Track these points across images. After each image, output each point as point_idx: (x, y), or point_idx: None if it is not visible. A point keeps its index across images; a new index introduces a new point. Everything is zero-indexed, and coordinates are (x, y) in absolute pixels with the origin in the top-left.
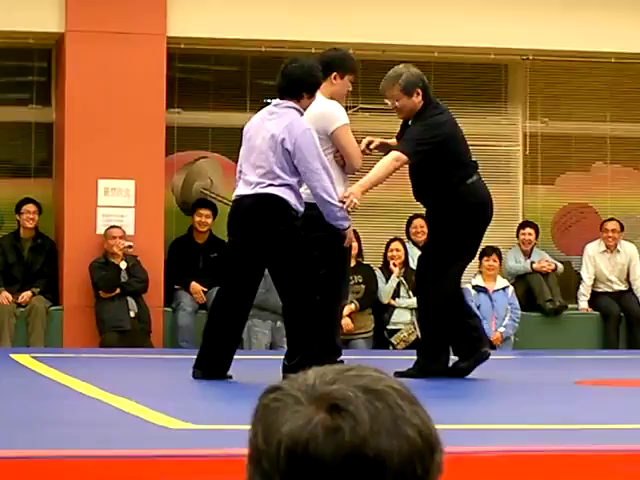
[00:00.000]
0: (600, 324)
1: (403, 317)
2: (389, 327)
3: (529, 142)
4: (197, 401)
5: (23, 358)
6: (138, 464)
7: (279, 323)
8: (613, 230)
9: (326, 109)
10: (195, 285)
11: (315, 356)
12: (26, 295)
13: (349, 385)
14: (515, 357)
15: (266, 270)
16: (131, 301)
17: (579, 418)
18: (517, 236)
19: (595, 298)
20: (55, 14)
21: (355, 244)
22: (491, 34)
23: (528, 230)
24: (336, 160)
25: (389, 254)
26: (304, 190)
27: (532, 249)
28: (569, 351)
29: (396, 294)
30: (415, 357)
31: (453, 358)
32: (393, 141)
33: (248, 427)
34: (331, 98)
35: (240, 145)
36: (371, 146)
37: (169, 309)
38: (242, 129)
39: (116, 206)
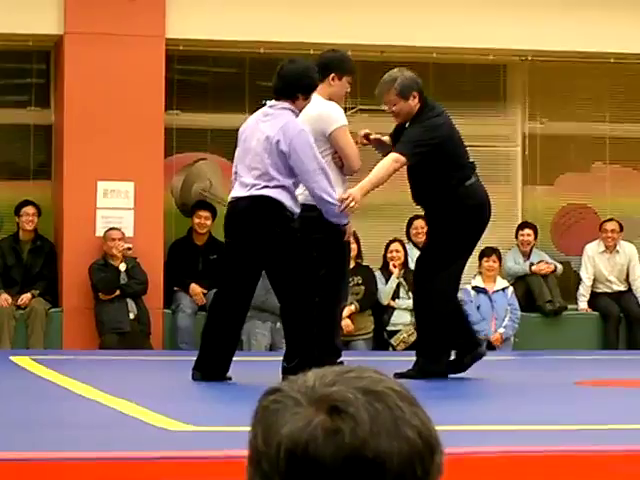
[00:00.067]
0: (600, 324)
1: (403, 318)
2: (389, 328)
3: (528, 143)
4: (197, 403)
5: (23, 360)
6: (138, 466)
7: (279, 324)
8: (612, 230)
9: (324, 110)
10: (194, 287)
11: (314, 357)
12: (25, 297)
13: (349, 387)
14: (515, 358)
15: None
16: (131, 303)
17: (579, 418)
18: (516, 237)
19: (594, 298)
20: (54, 16)
21: (354, 245)
22: (490, 35)
23: (527, 231)
24: (334, 161)
25: (389, 255)
26: (302, 192)
27: (531, 250)
28: (569, 352)
29: (396, 295)
30: (415, 358)
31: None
32: (387, 138)
33: (248, 429)
34: (329, 99)
35: (236, 146)
36: (370, 137)
37: (169, 311)
38: None
39: (115, 208)
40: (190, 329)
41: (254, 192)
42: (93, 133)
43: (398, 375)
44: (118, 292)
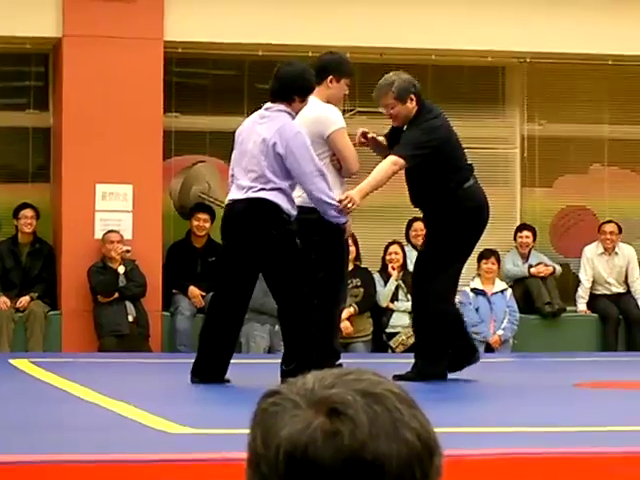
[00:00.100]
0: (598, 326)
1: (402, 320)
2: (388, 330)
3: (527, 144)
4: (196, 405)
5: (21, 363)
6: (137, 469)
7: (277, 327)
8: (611, 232)
9: (321, 113)
10: (193, 289)
11: (312, 359)
12: (24, 300)
13: (348, 389)
14: (514, 360)
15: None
16: (129, 305)
17: (578, 420)
18: (515, 239)
19: (593, 300)
20: (52, 19)
21: (352, 248)
22: (488, 37)
23: (526, 233)
24: (332, 164)
25: (387, 257)
26: (300, 194)
27: (530, 252)
28: (568, 353)
29: (395, 297)
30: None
31: None
32: (382, 139)
33: (247, 431)
34: (327, 102)
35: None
36: (368, 136)
37: (167, 313)
38: None
39: (114, 210)
40: (189, 332)
41: (251, 195)
42: (92, 136)
43: (397, 377)
44: (117, 295)
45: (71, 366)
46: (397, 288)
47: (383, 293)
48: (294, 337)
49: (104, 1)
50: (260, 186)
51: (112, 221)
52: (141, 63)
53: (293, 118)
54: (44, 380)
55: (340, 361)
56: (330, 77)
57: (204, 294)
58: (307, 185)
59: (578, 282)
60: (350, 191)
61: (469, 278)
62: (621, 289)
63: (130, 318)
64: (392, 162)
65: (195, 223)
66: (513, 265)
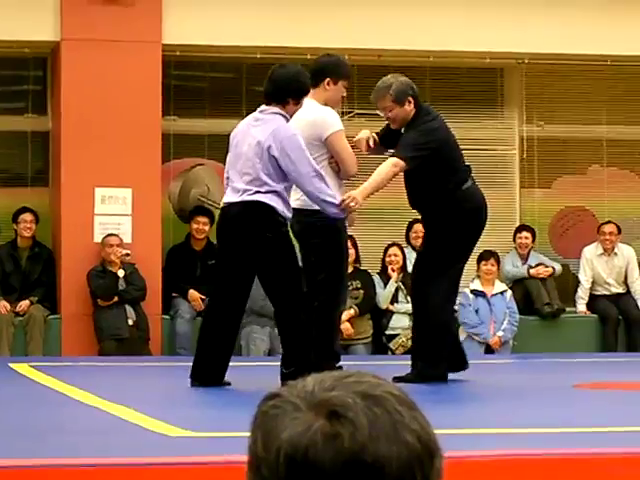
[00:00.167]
0: (598, 327)
1: (401, 322)
2: (387, 332)
3: (525, 146)
4: (196, 408)
5: (22, 367)
6: (137, 472)
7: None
8: (610, 233)
9: (319, 115)
10: (193, 292)
11: (312, 361)
12: (24, 304)
13: (348, 391)
14: (514, 361)
15: None
16: (129, 309)
17: (578, 421)
18: (514, 240)
19: (593, 301)
20: (50, 23)
21: (352, 250)
22: (486, 38)
23: (525, 234)
24: (331, 166)
25: (387, 259)
26: (299, 197)
27: (529, 253)
28: (567, 354)
29: (394, 299)
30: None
31: None
32: (376, 137)
33: (247, 434)
34: (325, 104)
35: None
36: (370, 143)
37: (167, 317)
38: None
39: (113, 214)
40: (188, 335)
41: (246, 197)
42: (90, 139)
43: (397, 379)
44: (116, 298)
45: (71, 370)
46: (397, 290)
47: (383, 295)
48: (291, 339)
49: (102, 5)
50: (255, 189)
51: (111, 225)
52: (139, 66)
53: (287, 120)
54: (44, 384)
55: (340, 363)
56: (327, 79)
57: (204, 297)
58: (305, 186)
59: (578, 283)
60: (352, 192)
61: (469, 279)
62: (621, 289)
63: (130, 322)
64: (392, 164)
65: (194, 226)
66: (512, 266)
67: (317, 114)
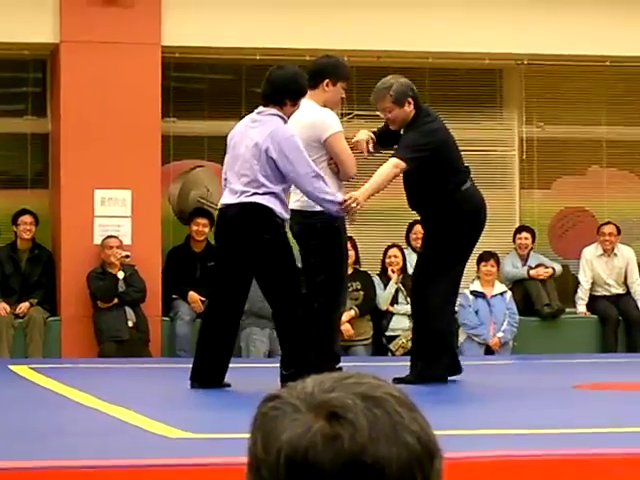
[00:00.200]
0: (598, 328)
1: (401, 323)
2: (387, 334)
3: (525, 146)
4: (196, 410)
5: (21, 369)
6: (137, 474)
7: None
8: (610, 234)
9: (318, 117)
10: (193, 294)
11: (311, 362)
12: (24, 306)
13: (348, 393)
14: (513, 362)
15: None
16: (129, 311)
17: (578, 422)
18: (514, 241)
19: (593, 302)
20: (49, 25)
21: (351, 252)
22: (485, 39)
23: (525, 235)
24: (330, 168)
25: (387, 260)
26: (299, 198)
27: (529, 254)
28: (567, 355)
29: (394, 301)
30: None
31: None
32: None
33: (247, 435)
34: (324, 106)
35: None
36: (370, 147)
37: (167, 318)
38: None
39: (113, 216)
40: (188, 337)
41: (243, 199)
42: (90, 141)
43: (397, 380)
44: (116, 300)
45: (71, 372)
46: (397, 291)
47: (383, 296)
48: (290, 341)
49: (101, 7)
50: (253, 190)
51: (111, 226)
52: (139, 68)
53: (285, 122)
54: (44, 386)
55: (340, 364)
56: (326, 81)
57: (203, 299)
58: (305, 187)
59: (577, 284)
60: (353, 192)
61: (468, 280)
62: (620, 290)
63: (130, 323)
64: (393, 165)
65: (194, 228)
66: (512, 267)
67: (316, 116)
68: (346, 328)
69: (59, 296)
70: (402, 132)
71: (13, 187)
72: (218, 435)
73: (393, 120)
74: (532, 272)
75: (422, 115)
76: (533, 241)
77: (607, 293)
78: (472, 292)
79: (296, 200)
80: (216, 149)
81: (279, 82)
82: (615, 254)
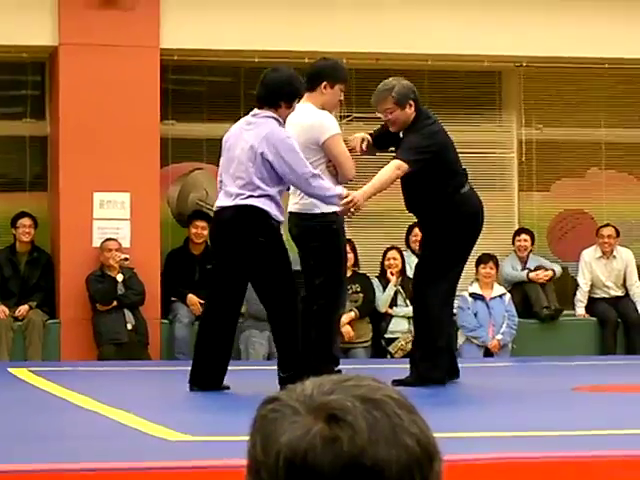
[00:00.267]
0: (597, 330)
1: (401, 326)
2: (387, 336)
3: (524, 149)
4: (195, 413)
5: (21, 372)
6: (137, 476)
7: None
8: (609, 236)
9: (316, 120)
10: (191, 297)
11: (308, 363)
12: (23, 309)
13: (347, 395)
14: (512, 364)
15: None
16: (128, 313)
17: (577, 424)
18: (513, 243)
19: (592, 304)
20: (48, 27)
21: (350, 255)
22: (484, 41)
23: (524, 237)
24: (329, 170)
25: (386, 263)
26: (298, 201)
27: (528, 256)
28: (566, 357)
29: (393, 303)
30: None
31: None
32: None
33: (247, 438)
34: (322, 108)
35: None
36: (364, 146)
37: (166, 321)
38: None
39: (112, 219)
40: (187, 339)
41: (239, 202)
42: (89, 144)
43: (396, 382)
44: (115, 303)
45: (70, 375)
46: (396, 293)
47: (382, 298)
48: (286, 344)
49: (100, 9)
50: (248, 193)
51: (110, 229)
52: (137, 71)
53: (280, 124)
54: (43, 389)
55: (339, 367)
56: (324, 83)
57: (202, 302)
58: (305, 188)
59: (576, 286)
60: (354, 192)
61: (467, 283)
62: (619, 292)
63: (129, 326)
64: (396, 167)
65: (193, 230)
66: (512, 269)
67: (314, 118)
68: (347, 330)
69: (58, 299)
70: (401, 135)
71: (12, 190)
72: (217, 438)
73: (393, 122)
74: (532, 275)
75: (422, 118)
76: (532, 243)
77: (606, 295)
78: (471, 294)
79: (295, 203)
80: (215, 152)
81: (273, 84)
82: (614, 256)
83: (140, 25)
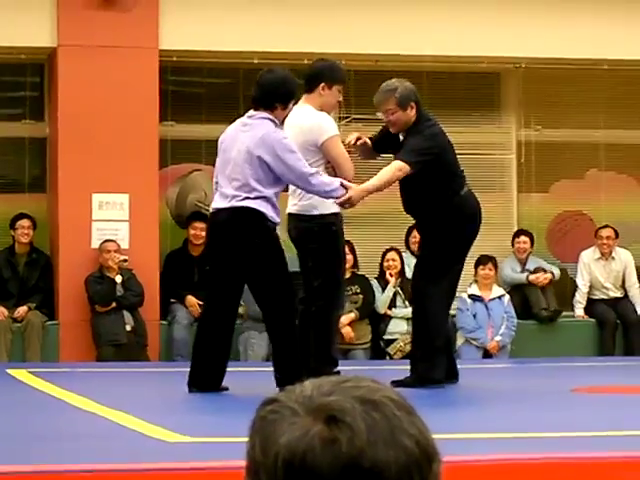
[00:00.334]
0: (596, 331)
1: (399, 327)
2: (385, 337)
3: (523, 150)
4: (194, 414)
5: (20, 373)
6: (136, 478)
7: None
8: (608, 237)
9: (314, 121)
10: (190, 298)
11: (304, 364)
12: (22, 310)
13: (346, 396)
14: (511, 365)
15: None
16: (127, 315)
17: (576, 425)
18: (512, 244)
19: (591, 305)
20: (47, 29)
21: (349, 256)
22: (483, 43)
23: (523, 238)
24: (327, 171)
25: (385, 264)
26: (297, 202)
27: (527, 257)
28: (565, 359)
29: (392, 304)
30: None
31: None
32: (368, 141)
33: (246, 439)
34: (321, 109)
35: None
36: (358, 142)
37: (165, 322)
38: None
39: (110, 220)
40: (186, 340)
41: (235, 203)
42: (88, 145)
43: (395, 383)
44: (114, 304)
45: (69, 376)
46: (395, 295)
47: (381, 300)
48: (282, 345)
49: (99, 10)
50: (244, 195)
51: (109, 230)
52: (136, 72)
53: (276, 125)
54: (42, 390)
55: (338, 368)
56: (322, 84)
57: (201, 303)
58: (306, 186)
59: (575, 287)
60: (354, 187)
61: (466, 284)
62: (618, 294)
63: (128, 327)
64: (397, 168)
65: (192, 232)
66: (511, 271)
67: (312, 120)
68: (347, 331)
69: (57, 300)
70: (401, 137)
71: (11, 191)
72: (216, 439)
73: (394, 123)
74: (531, 278)
75: (423, 120)
76: (531, 245)
77: (605, 296)
78: (470, 296)
79: (294, 204)
80: (214, 153)
81: (269, 86)
82: (613, 257)
83: (139, 26)
